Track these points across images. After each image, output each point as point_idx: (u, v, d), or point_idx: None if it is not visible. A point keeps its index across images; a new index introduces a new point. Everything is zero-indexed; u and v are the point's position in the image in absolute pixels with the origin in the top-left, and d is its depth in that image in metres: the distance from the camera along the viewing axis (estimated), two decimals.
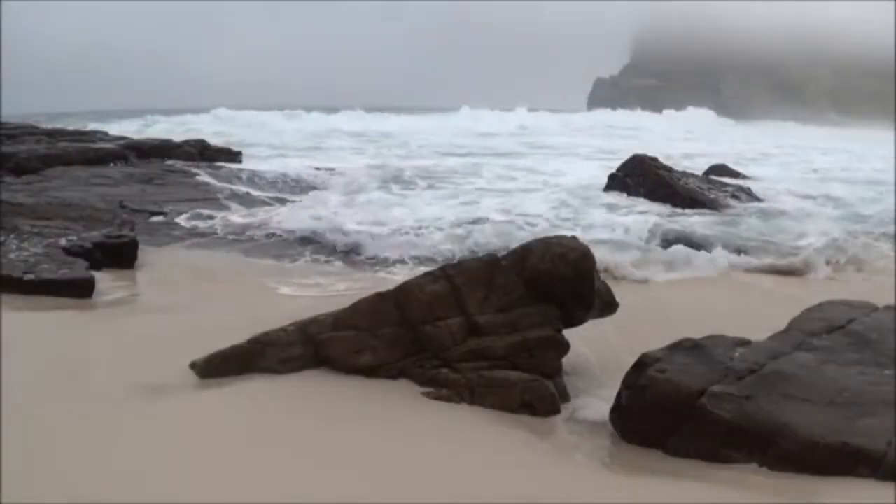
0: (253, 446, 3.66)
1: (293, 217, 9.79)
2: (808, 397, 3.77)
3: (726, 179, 14.76)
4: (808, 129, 50.75)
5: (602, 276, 5.14)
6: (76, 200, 9.48)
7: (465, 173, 15.95)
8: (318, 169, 15.21)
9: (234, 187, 12.22)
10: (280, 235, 9.01)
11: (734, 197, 12.90)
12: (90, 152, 13.53)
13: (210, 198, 11.26)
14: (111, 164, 13.30)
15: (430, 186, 13.63)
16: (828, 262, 8.06)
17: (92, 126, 22.95)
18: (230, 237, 9.02)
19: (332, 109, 41.78)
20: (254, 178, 13.28)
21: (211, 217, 9.87)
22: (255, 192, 12.11)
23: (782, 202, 12.91)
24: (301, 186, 13.27)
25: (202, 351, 4.53)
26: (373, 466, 3.55)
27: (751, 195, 13.27)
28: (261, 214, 10.22)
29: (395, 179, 14.21)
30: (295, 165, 15.69)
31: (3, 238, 7.08)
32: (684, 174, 13.49)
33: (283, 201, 11.58)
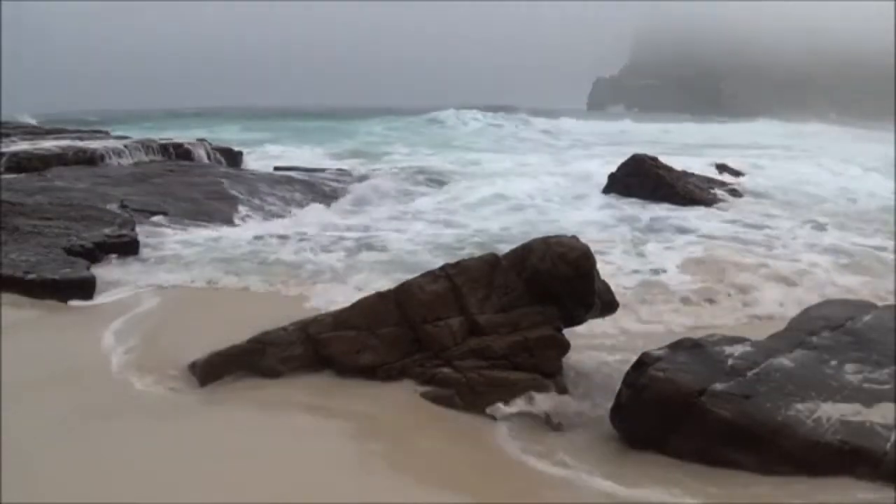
0: (250, 447, 3.67)
1: None
2: (807, 396, 3.77)
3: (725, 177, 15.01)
4: None
5: None
6: (77, 200, 9.47)
7: None
8: None
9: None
10: None
11: (734, 194, 13.12)
12: (91, 152, 13.52)
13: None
14: (112, 164, 13.31)
15: None
16: None
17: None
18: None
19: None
20: None
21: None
22: None
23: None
24: None
25: (202, 350, 4.54)
26: (371, 467, 3.56)
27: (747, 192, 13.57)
28: None
29: None
30: None
31: (3, 238, 7.08)
32: (684, 174, 13.53)
33: None
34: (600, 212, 11.39)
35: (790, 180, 15.61)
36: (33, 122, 22.56)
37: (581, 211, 11.51)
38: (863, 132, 39.70)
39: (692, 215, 11.08)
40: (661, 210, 11.55)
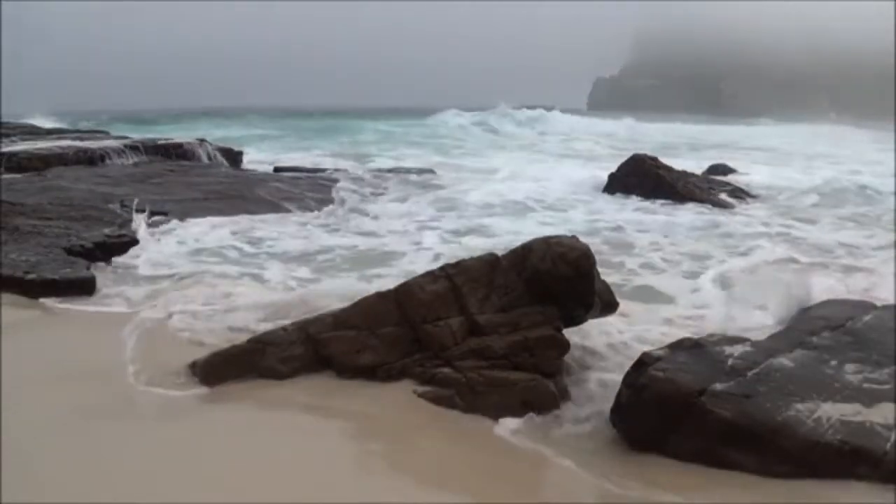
0: (250, 447, 3.67)
1: None
2: (807, 396, 3.77)
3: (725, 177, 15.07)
4: None
5: None
6: (77, 200, 9.47)
7: None
8: None
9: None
10: None
11: (734, 195, 13.10)
12: (91, 152, 13.54)
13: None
14: (112, 164, 13.33)
15: None
16: None
17: None
18: None
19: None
20: None
21: None
22: None
23: None
24: None
25: (202, 350, 4.54)
26: (371, 467, 3.56)
27: (748, 193, 13.51)
28: None
29: None
30: None
31: (3, 238, 7.08)
32: (684, 174, 13.55)
33: None
34: (602, 211, 11.42)
35: (789, 181, 15.67)
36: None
37: (583, 212, 11.52)
38: (884, 134, 39.51)
39: (691, 214, 11.13)
40: (662, 209, 11.60)
